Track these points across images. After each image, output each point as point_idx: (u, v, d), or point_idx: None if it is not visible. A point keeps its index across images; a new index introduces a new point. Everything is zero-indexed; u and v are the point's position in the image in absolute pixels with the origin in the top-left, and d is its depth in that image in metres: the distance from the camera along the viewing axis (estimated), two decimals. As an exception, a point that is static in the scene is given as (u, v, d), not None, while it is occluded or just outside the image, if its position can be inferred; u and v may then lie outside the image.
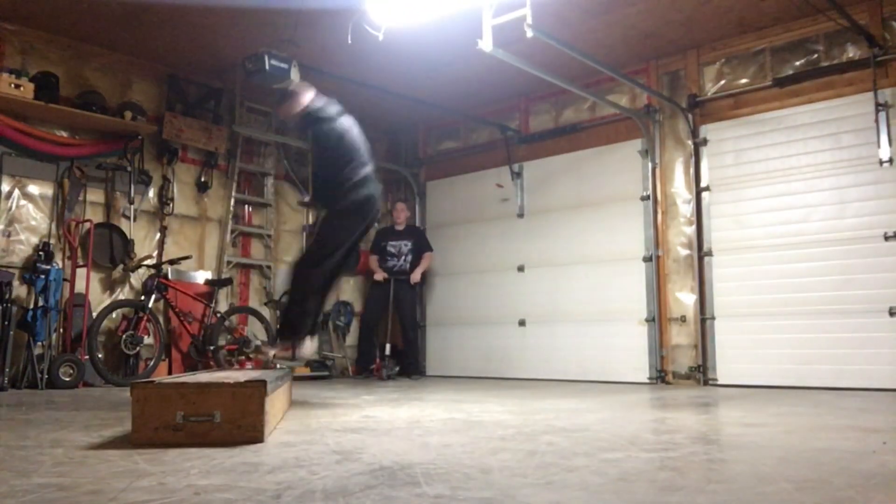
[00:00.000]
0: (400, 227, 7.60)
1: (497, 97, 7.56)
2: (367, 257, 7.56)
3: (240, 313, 6.89)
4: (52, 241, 5.82)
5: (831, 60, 5.71)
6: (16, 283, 5.52)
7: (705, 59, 6.37)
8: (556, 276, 7.09)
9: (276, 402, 3.01)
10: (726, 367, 5.96)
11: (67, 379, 5.44)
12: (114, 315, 6.02)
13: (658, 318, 6.34)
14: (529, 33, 4.56)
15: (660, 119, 6.55)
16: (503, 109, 7.71)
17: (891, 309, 5.22)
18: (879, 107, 5.33)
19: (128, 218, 6.35)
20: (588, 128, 7.06)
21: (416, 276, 7.39)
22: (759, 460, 2.21)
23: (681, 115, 6.37)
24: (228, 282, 6.86)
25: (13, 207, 5.76)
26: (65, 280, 5.76)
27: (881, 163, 5.35)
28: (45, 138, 5.88)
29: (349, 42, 5.05)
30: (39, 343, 5.45)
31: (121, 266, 6.24)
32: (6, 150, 5.70)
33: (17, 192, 5.79)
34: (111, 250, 6.19)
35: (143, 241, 6.48)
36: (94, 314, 5.85)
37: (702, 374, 6.05)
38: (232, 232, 7.12)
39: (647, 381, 6.31)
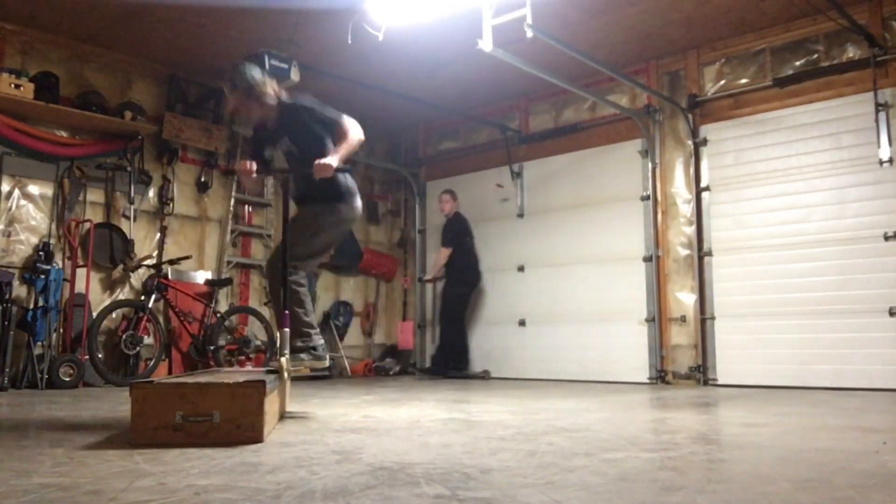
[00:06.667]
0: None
1: (497, 97, 7.55)
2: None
3: (240, 313, 6.88)
4: (52, 241, 5.81)
5: (831, 60, 5.71)
6: (16, 283, 5.52)
7: (705, 59, 6.36)
8: (557, 276, 7.08)
9: (275, 401, 3.01)
10: (726, 367, 5.95)
11: (67, 379, 5.44)
12: (114, 315, 6.02)
13: (658, 318, 6.34)
14: (529, 33, 4.55)
15: (660, 119, 6.55)
16: (503, 109, 7.70)
17: (891, 309, 5.22)
18: (879, 107, 5.33)
19: (128, 218, 6.34)
20: (588, 128, 7.05)
21: (427, 275, 7.83)
22: (759, 460, 2.21)
23: (681, 115, 6.37)
24: (228, 282, 6.86)
25: (13, 207, 5.76)
26: (65, 280, 5.76)
27: (881, 163, 5.35)
28: (45, 138, 5.88)
29: (349, 42, 5.05)
30: (39, 343, 5.45)
31: (121, 266, 6.24)
32: (6, 150, 5.69)
33: (17, 192, 5.79)
34: (111, 250, 6.18)
35: (143, 241, 6.48)
36: (94, 314, 5.85)
37: (702, 374, 6.05)
38: (232, 232, 7.11)
39: (647, 381, 6.31)
